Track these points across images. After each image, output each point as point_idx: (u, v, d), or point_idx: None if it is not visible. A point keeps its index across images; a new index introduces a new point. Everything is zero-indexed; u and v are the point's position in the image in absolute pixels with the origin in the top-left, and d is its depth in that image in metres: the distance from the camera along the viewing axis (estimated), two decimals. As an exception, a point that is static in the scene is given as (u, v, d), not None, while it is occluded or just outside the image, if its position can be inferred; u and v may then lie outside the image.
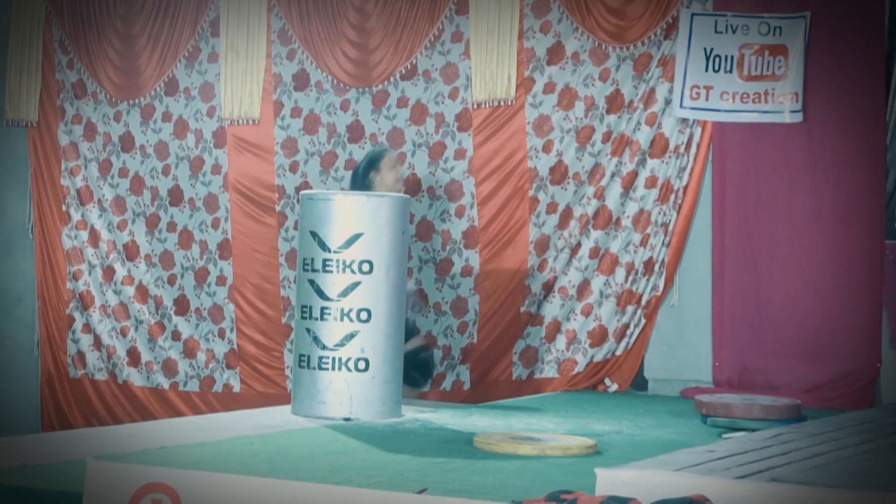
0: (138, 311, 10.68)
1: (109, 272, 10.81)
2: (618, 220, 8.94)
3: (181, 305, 10.52)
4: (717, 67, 8.57)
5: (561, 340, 9.07)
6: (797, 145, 8.47)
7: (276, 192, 10.12)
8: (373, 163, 8.19)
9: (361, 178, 8.18)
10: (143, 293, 10.68)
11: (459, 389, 9.30)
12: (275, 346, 10.12)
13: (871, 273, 8.28)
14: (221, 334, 10.36)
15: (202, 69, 10.48)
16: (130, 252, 10.73)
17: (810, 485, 4.60)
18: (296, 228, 9.22)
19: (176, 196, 10.54)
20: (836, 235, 8.38)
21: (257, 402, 9.43)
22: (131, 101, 10.74)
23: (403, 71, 9.66)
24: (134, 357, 10.70)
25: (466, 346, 9.38)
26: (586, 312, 9.00)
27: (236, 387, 10.27)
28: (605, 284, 8.97)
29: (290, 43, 10.09)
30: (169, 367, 10.54)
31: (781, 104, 8.45)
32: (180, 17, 10.50)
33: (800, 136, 8.45)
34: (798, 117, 8.41)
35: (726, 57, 8.56)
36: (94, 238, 10.89)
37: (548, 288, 9.11)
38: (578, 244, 9.03)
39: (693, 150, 8.71)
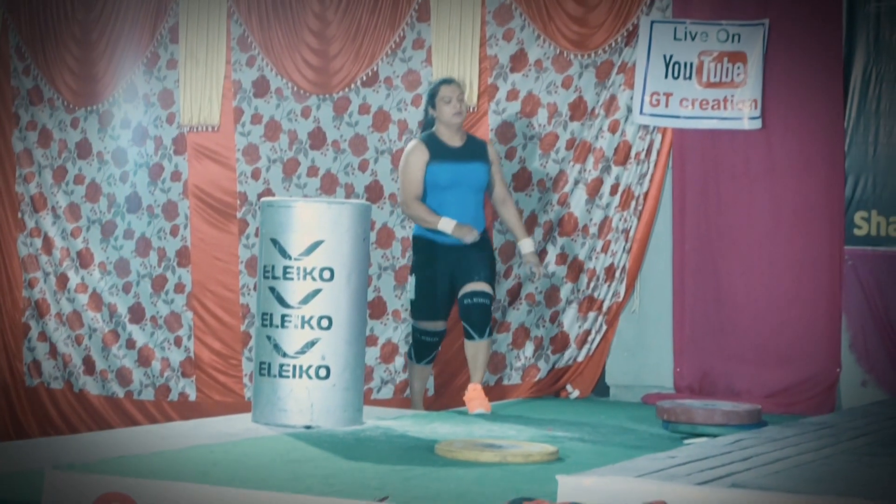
0: (92, 319, 10.63)
1: (63, 280, 10.76)
2: (584, 226, 8.94)
3: (136, 313, 10.46)
4: (676, 74, 8.59)
5: (529, 347, 9.07)
6: (756, 152, 8.50)
7: (237, 199, 10.08)
8: (433, 92, 8.18)
9: (426, 111, 8.31)
10: (96, 301, 10.62)
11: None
12: (232, 354, 10.08)
13: (830, 278, 8.32)
14: (178, 342, 10.31)
15: (161, 75, 10.44)
16: (84, 260, 10.67)
17: (771, 490, 4.62)
18: (257, 235, 9.18)
19: (134, 203, 10.49)
20: (795, 241, 8.41)
21: (214, 411, 9.39)
22: (89, 108, 10.69)
23: (365, 78, 9.65)
24: (89, 366, 10.64)
25: (429, 353, 9.37)
26: (553, 319, 9.00)
27: (192, 395, 10.22)
28: (571, 291, 8.97)
29: (250, 49, 10.06)
30: (123, 376, 10.49)
31: (740, 111, 8.48)
32: (139, 23, 10.46)
33: (759, 143, 8.48)
34: (757, 124, 8.44)
35: (685, 64, 8.59)
36: (48, 245, 10.83)
37: (513, 294, 9.11)
38: (544, 251, 9.03)
39: (653, 156, 8.73)
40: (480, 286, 7.98)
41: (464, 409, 8.02)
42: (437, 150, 8.07)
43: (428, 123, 8.28)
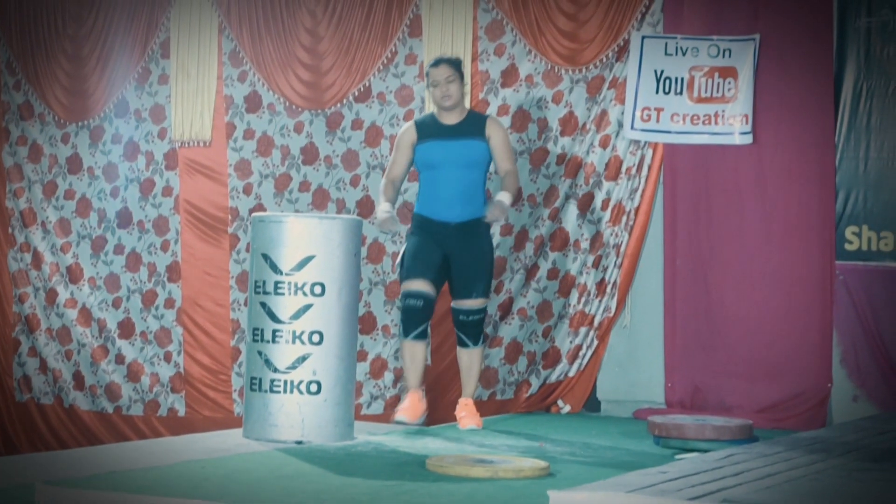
0: (81, 334, 10.62)
1: (52, 295, 10.75)
2: (576, 241, 8.94)
3: (126, 328, 10.46)
4: (667, 89, 8.60)
5: (522, 362, 9.07)
6: (747, 167, 8.51)
7: (228, 214, 10.08)
8: (426, 75, 8.06)
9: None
10: (86, 316, 10.62)
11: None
12: (222, 370, 10.08)
13: (821, 293, 8.32)
14: (167, 357, 10.30)
15: (153, 91, 10.45)
16: (74, 275, 10.67)
17: (763, 505, 4.62)
18: (248, 251, 9.18)
19: (124, 218, 10.49)
20: (786, 256, 8.42)
21: (203, 427, 9.37)
22: (80, 123, 10.70)
23: (357, 93, 9.66)
24: (79, 381, 10.64)
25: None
26: (546, 334, 9.00)
27: (181, 411, 10.21)
28: (563, 306, 8.97)
29: (242, 65, 10.07)
30: (112, 392, 10.48)
31: (731, 126, 8.49)
32: (130, 38, 10.47)
33: (750, 158, 8.49)
34: (748, 139, 8.45)
35: (676, 79, 8.60)
36: (38, 261, 10.83)
37: (504, 309, 9.10)
38: (535, 266, 9.03)
39: (644, 171, 8.74)
40: (478, 304, 7.89)
41: (455, 425, 8.01)
42: (429, 130, 7.93)
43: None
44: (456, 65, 7.98)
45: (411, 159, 7.97)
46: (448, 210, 7.84)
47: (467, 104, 8.86)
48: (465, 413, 7.95)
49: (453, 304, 7.95)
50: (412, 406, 7.85)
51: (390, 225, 7.79)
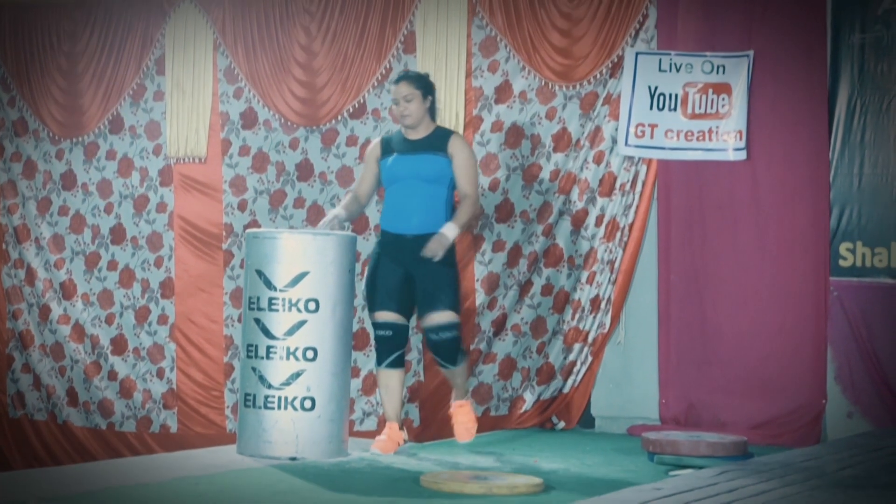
0: (74, 350, 10.62)
1: (46, 311, 10.75)
2: (570, 257, 8.94)
3: (118, 345, 10.46)
4: (661, 105, 8.61)
5: (516, 378, 9.06)
6: (741, 183, 8.52)
7: (223, 231, 10.09)
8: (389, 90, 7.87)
9: None
10: (79, 332, 10.62)
11: (409, 427, 9.25)
12: (215, 386, 10.08)
13: (815, 310, 8.32)
14: (160, 374, 10.30)
15: (148, 107, 10.46)
16: (67, 291, 10.68)
17: (757, 522, 4.62)
18: (242, 267, 9.19)
19: (118, 234, 10.50)
20: (780, 272, 8.42)
21: (195, 443, 9.36)
22: (74, 139, 10.71)
23: (352, 109, 9.66)
24: (73, 397, 10.64)
25: (413, 384, 9.35)
26: (540, 350, 8.99)
27: (173, 427, 10.21)
28: (557, 322, 8.96)
29: (237, 81, 10.08)
30: (105, 408, 10.48)
31: (725, 142, 8.49)
32: (125, 54, 10.49)
33: (744, 174, 8.50)
34: (742, 155, 8.46)
35: (670, 95, 8.61)
36: (31, 277, 10.84)
37: (498, 325, 9.10)
38: (529, 282, 9.03)
39: (638, 187, 8.74)
40: (445, 317, 7.51)
41: (449, 441, 8.00)
42: (392, 146, 7.68)
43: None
44: (418, 81, 7.69)
45: (377, 175, 7.76)
46: (405, 222, 7.57)
47: (453, 119, 8.89)
48: (461, 421, 7.75)
49: (422, 324, 7.65)
50: (388, 440, 7.53)
51: (330, 227, 7.54)
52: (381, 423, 9.10)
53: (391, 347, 7.58)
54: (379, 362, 7.63)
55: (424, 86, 7.67)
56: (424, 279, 7.51)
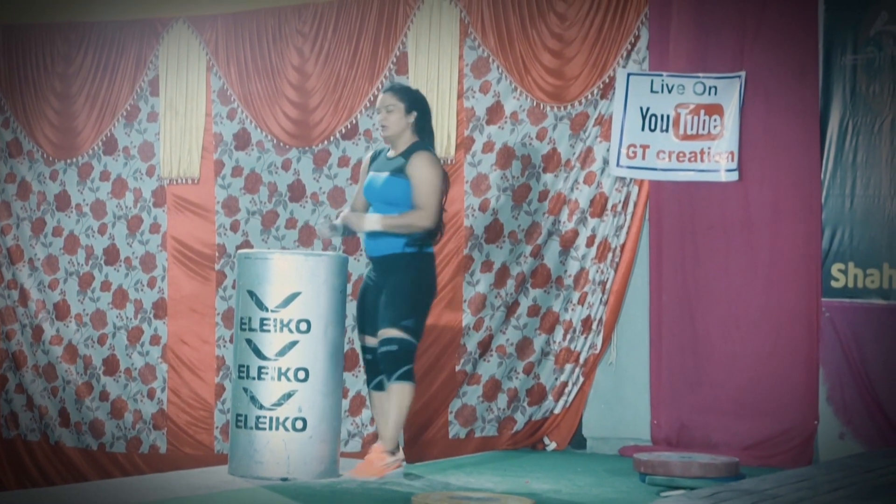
0: (66, 370, 10.62)
1: (38, 332, 10.75)
2: (558, 278, 8.94)
3: (110, 365, 10.45)
4: (653, 126, 8.61)
5: (502, 399, 9.05)
6: (733, 204, 8.52)
7: (215, 251, 10.09)
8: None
9: None
10: (71, 353, 10.62)
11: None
12: (205, 406, 10.07)
13: (807, 331, 8.32)
14: (151, 394, 10.30)
15: (141, 128, 10.47)
16: (61, 311, 10.67)
17: (746, 542, 4.61)
18: (234, 287, 9.19)
19: (112, 255, 10.50)
20: (772, 293, 8.42)
21: (184, 464, 9.35)
22: (68, 160, 10.72)
23: (344, 130, 9.68)
24: (65, 417, 10.63)
25: (399, 405, 9.34)
26: (527, 371, 8.98)
27: (163, 447, 10.20)
28: (546, 343, 8.96)
29: (230, 102, 10.10)
30: (96, 428, 10.47)
31: (717, 163, 8.50)
32: (119, 76, 10.51)
33: (736, 195, 8.50)
34: (734, 176, 8.46)
35: (662, 116, 8.61)
36: (24, 297, 10.84)
37: (483, 347, 9.09)
38: (516, 302, 9.03)
39: (630, 208, 8.74)
40: (387, 333, 7.24)
41: (440, 462, 7.99)
42: (375, 162, 7.54)
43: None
44: (403, 93, 7.50)
45: None
46: (370, 243, 7.45)
47: (444, 140, 8.90)
48: (369, 459, 7.38)
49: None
50: (367, 464, 7.31)
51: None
52: (370, 442, 9.11)
53: (375, 371, 7.45)
54: (368, 384, 7.59)
55: (410, 100, 7.48)
56: (384, 296, 7.35)
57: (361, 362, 7.71)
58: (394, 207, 7.34)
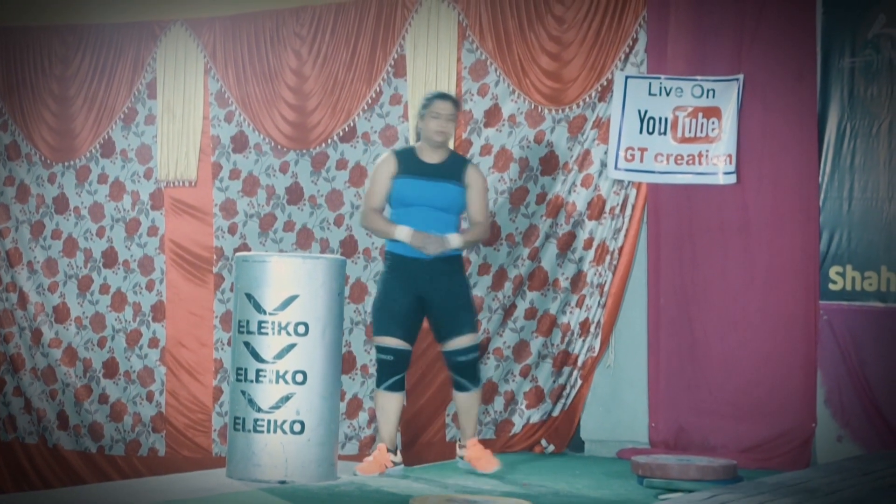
0: (65, 373, 10.62)
1: (37, 335, 10.75)
2: (555, 280, 8.94)
3: (110, 368, 10.45)
4: (651, 129, 8.61)
5: (499, 402, 9.05)
6: (731, 207, 8.52)
7: (213, 254, 10.09)
8: (423, 104, 7.74)
9: (417, 121, 7.83)
10: (71, 356, 10.62)
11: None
12: (203, 409, 10.07)
13: (805, 333, 8.32)
14: (149, 397, 10.30)
15: (139, 131, 10.48)
16: (60, 314, 10.67)
17: (744, 545, 4.61)
18: (232, 290, 9.19)
19: (110, 258, 10.50)
20: (770, 296, 8.42)
21: (182, 467, 9.36)
22: (66, 163, 10.72)
23: (342, 133, 9.68)
24: (63, 420, 10.63)
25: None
26: (524, 374, 8.98)
27: (161, 451, 10.20)
28: (543, 346, 8.95)
29: (228, 105, 10.11)
30: (95, 431, 10.47)
31: (715, 166, 8.49)
32: (116, 78, 10.51)
33: (733, 198, 8.50)
34: (732, 179, 8.46)
35: (660, 119, 8.61)
36: (23, 300, 10.84)
37: (481, 350, 9.08)
38: (513, 305, 9.03)
39: (628, 211, 8.74)
40: (468, 340, 7.64)
41: (438, 464, 7.98)
42: (408, 165, 7.66)
43: (417, 138, 7.87)
44: (456, 104, 7.87)
45: (390, 190, 7.71)
46: None
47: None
48: (481, 455, 7.72)
49: (444, 348, 7.71)
50: (373, 461, 7.54)
51: (428, 240, 7.52)
52: (367, 445, 9.11)
53: (392, 371, 7.60)
54: (378, 383, 7.65)
55: (458, 110, 7.93)
56: (444, 304, 7.61)
57: (374, 360, 7.69)
58: (444, 213, 7.64)
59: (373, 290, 9.39)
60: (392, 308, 7.60)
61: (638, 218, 8.72)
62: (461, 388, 7.75)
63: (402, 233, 7.53)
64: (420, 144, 7.79)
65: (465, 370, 7.68)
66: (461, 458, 7.88)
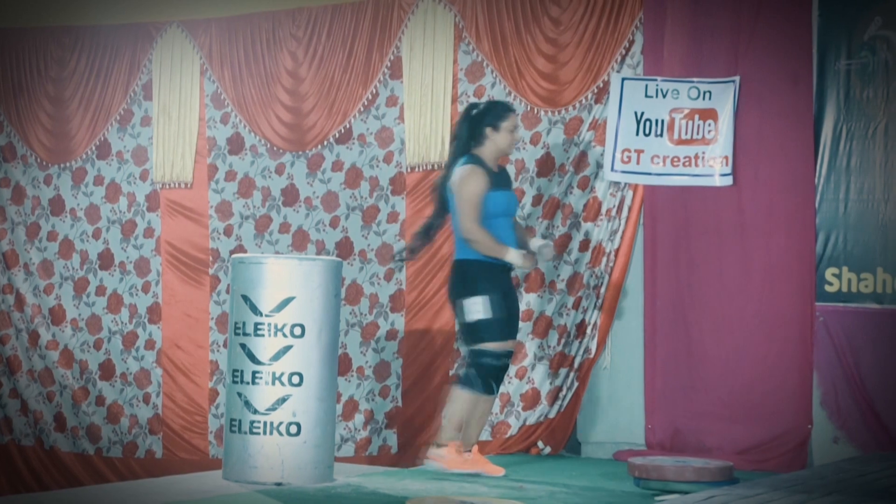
0: (62, 375, 10.61)
1: (34, 337, 10.73)
2: (552, 282, 8.93)
3: (106, 370, 10.44)
4: (647, 131, 8.61)
5: (495, 403, 9.03)
6: (727, 208, 8.52)
7: (209, 256, 10.08)
8: (498, 115, 7.66)
9: (473, 125, 7.65)
10: (68, 358, 10.60)
11: (387, 454, 9.25)
12: (199, 411, 10.06)
13: (801, 335, 8.33)
14: (146, 399, 10.29)
15: (135, 132, 10.47)
16: (56, 316, 10.66)
17: (740, 547, 4.61)
18: (228, 292, 9.18)
19: (106, 260, 10.50)
20: (766, 298, 8.43)
21: (179, 469, 9.35)
22: (62, 165, 10.70)
23: (338, 134, 9.67)
24: (60, 422, 10.62)
25: (391, 410, 9.34)
26: (520, 375, 8.98)
27: (158, 453, 10.19)
28: (539, 347, 8.95)
29: (224, 107, 10.10)
30: (93, 433, 10.46)
31: (711, 168, 8.49)
32: (112, 80, 10.50)
33: (730, 200, 8.50)
34: (728, 180, 8.46)
35: (657, 121, 8.61)
36: (20, 302, 10.83)
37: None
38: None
39: (624, 213, 8.74)
40: (512, 345, 7.75)
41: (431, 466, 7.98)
42: (490, 177, 7.59)
43: (465, 143, 7.65)
44: None
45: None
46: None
47: (438, 145, 8.95)
48: (485, 461, 7.72)
49: (504, 349, 7.62)
50: (481, 460, 7.64)
51: (531, 260, 7.60)
52: (361, 446, 9.12)
53: (503, 375, 7.73)
54: (490, 391, 7.60)
55: None
56: (515, 304, 7.79)
57: (488, 365, 7.54)
58: (510, 219, 7.75)
59: (368, 291, 9.40)
60: (515, 313, 7.70)
61: (634, 220, 8.72)
62: (491, 392, 7.65)
63: (513, 255, 7.53)
64: (483, 154, 7.63)
65: (500, 374, 7.66)
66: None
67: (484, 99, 9.12)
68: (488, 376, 7.55)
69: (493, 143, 7.63)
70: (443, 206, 7.75)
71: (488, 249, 7.50)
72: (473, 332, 7.54)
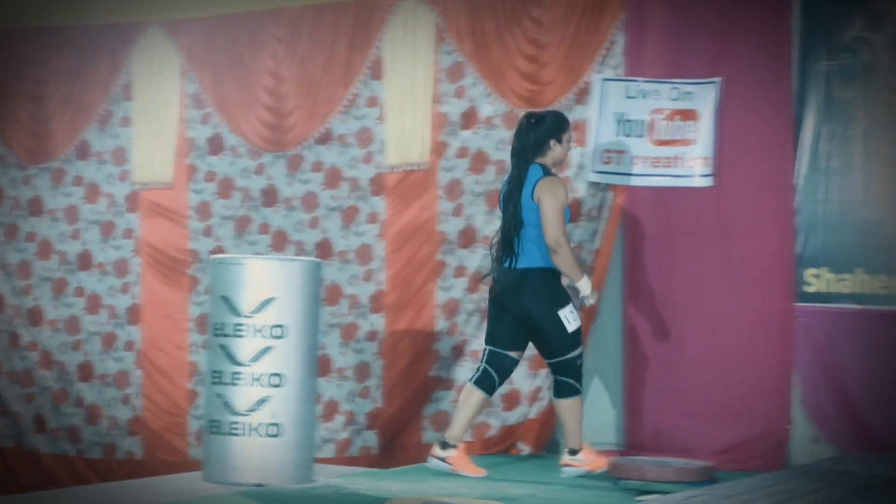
0: (42, 377, 10.57)
1: (14, 337, 10.70)
2: (533, 283, 8.93)
3: (85, 371, 10.41)
4: (628, 132, 8.60)
5: (475, 404, 9.03)
6: (708, 209, 8.54)
7: (188, 256, 10.06)
8: (562, 128, 7.64)
9: (539, 136, 7.60)
10: (47, 359, 10.57)
11: (367, 454, 9.24)
12: (178, 412, 10.04)
13: (781, 335, 8.34)
14: (125, 400, 10.27)
15: (114, 133, 10.45)
16: (35, 317, 10.62)
17: (721, 547, 4.61)
18: (207, 293, 9.16)
19: (85, 260, 10.46)
20: (746, 298, 8.44)
21: (159, 470, 9.32)
22: (41, 165, 10.67)
23: (318, 135, 9.66)
24: (41, 424, 10.58)
25: (371, 410, 9.33)
26: (503, 376, 8.98)
27: (138, 454, 10.17)
28: (522, 348, 8.95)
29: (204, 107, 10.07)
30: (73, 434, 10.43)
31: (692, 168, 8.48)
32: (92, 80, 10.48)
33: (710, 200, 8.51)
34: (709, 181, 8.45)
35: (638, 121, 8.59)
36: (0, 303, 10.79)
37: (458, 352, 9.08)
38: (489, 307, 9.03)
39: (605, 213, 8.75)
40: None
41: (416, 467, 7.98)
42: None
43: (529, 153, 7.55)
44: None
45: None
46: None
47: (419, 146, 8.94)
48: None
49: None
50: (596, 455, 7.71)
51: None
52: (342, 448, 9.11)
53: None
54: (583, 392, 7.73)
55: None
56: None
57: (578, 367, 7.61)
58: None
59: (349, 291, 9.38)
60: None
61: (615, 220, 8.73)
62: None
63: (585, 282, 7.57)
64: (544, 163, 7.60)
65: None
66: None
67: (465, 99, 9.11)
68: (580, 377, 7.64)
69: (553, 153, 7.62)
70: (519, 216, 7.56)
71: (569, 265, 7.48)
72: (573, 339, 7.54)
